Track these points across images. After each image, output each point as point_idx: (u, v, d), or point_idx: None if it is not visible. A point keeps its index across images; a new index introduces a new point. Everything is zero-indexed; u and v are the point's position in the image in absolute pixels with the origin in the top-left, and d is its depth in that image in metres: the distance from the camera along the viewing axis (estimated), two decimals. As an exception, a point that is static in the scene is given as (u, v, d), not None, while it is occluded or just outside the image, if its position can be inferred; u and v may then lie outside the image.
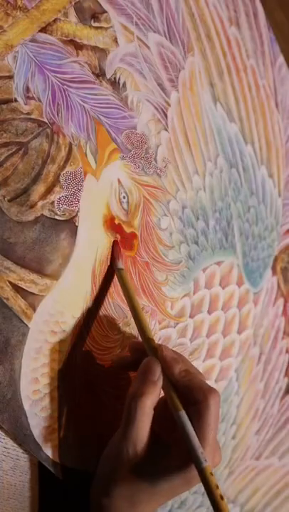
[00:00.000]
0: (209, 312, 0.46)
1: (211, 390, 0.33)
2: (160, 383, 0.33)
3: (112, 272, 0.37)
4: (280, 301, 0.54)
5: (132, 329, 0.39)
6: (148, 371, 0.33)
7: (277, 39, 0.52)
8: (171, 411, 0.33)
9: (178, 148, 0.42)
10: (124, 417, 0.32)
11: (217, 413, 0.33)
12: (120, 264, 0.37)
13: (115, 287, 0.37)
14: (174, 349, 0.36)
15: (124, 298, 0.37)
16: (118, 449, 0.32)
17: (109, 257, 0.37)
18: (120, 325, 0.38)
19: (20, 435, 0.33)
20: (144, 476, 0.32)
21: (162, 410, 0.33)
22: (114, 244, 0.37)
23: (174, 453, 0.32)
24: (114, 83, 0.38)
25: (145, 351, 0.35)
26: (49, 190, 0.34)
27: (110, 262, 0.37)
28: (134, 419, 0.32)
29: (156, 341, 0.36)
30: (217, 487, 0.30)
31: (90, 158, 0.36)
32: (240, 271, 0.48)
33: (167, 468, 0.32)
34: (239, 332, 0.49)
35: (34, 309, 0.33)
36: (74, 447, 0.36)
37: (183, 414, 0.32)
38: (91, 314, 0.36)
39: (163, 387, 0.33)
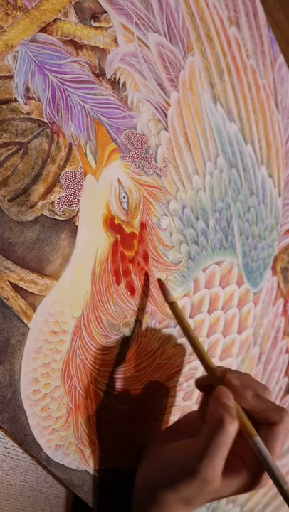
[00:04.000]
0: (209, 312, 0.46)
1: (285, 410, 0.34)
2: (235, 410, 0.34)
3: (113, 272, 0.37)
4: (280, 301, 0.54)
5: (131, 330, 0.39)
6: (224, 398, 0.34)
7: (277, 39, 0.52)
8: (245, 437, 0.34)
9: (178, 148, 0.42)
10: (206, 439, 0.33)
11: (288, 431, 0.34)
12: (171, 298, 0.39)
13: (115, 287, 0.37)
14: (237, 371, 0.37)
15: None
16: (192, 466, 0.33)
17: (109, 257, 0.37)
18: (120, 325, 0.38)
19: (21, 435, 0.33)
20: (214, 491, 0.34)
21: None
22: (161, 283, 0.40)
23: (242, 470, 0.34)
24: (114, 83, 0.38)
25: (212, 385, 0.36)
26: (49, 190, 0.34)
27: (164, 296, 0.40)
28: (218, 446, 0.32)
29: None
30: None
31: (90, 158, 0.36)
32: (240, 271, 0.48)
33: (235, 484, 0.34)
34: (239, 332, 0.49)
35: (34, 309, 0.33)
36: (74, 447, 0.36)
37: (258, 439, 0.33)
38: (91, 314, 0.36)
39: None
